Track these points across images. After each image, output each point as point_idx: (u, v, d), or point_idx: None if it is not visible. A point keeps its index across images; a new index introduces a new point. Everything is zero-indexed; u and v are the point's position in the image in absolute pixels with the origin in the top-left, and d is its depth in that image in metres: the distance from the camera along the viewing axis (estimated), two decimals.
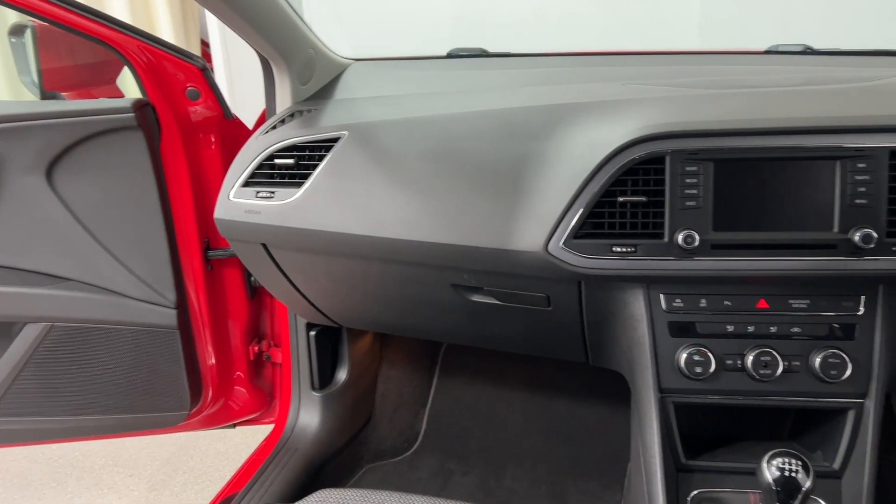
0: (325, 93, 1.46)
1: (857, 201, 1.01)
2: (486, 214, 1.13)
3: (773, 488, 0.89)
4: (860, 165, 1.01)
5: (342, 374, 1.83)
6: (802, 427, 1.21)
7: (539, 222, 1.09)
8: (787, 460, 0.89)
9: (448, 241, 1.15)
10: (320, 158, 1.25)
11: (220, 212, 1.31)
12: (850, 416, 1.08)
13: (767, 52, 1.49)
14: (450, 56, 1.62)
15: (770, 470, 0.90)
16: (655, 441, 1.12)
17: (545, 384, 1.96)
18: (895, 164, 1.01)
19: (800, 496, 0.89)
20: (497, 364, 2.01)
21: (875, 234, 1.00)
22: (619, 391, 1.32)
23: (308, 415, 1.77)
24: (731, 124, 1.04)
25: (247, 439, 2.49)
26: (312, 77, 1.44)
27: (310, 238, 1.24)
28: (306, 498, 1.08)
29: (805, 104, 1.08)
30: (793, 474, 0.88)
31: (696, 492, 1.11)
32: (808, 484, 0.89)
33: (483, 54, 1.62)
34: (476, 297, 1.28)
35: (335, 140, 1.26)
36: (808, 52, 1.47)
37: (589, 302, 1.18)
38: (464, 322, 1.39)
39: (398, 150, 1.22)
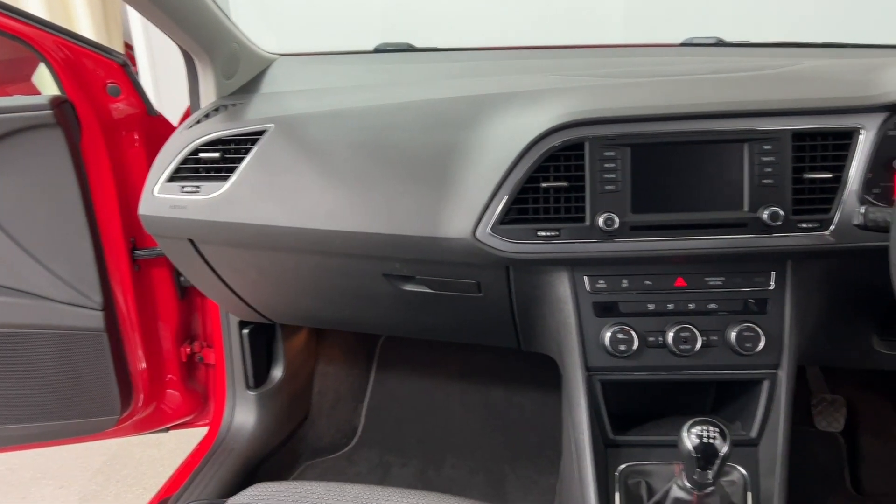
0: (250, 87, 1.45)
1: (765, 181, 1.07)
2: (414, 203, 1.15)
3: (693, 455, 0.93)
4: (766, 147, 1.06)
5: (277, 372, 1.81)
6: (723, 400, 1.27)
7: (467, 209, 1.12)
8: (704, 428, 0.94)
9: (378, 230, 1.16)
10: (246, 151, 1.24)
11: (145, 208, 1.29)
12: (765, 386, 1.14)
13: (682, 45, 1.55)
14: (377, 51, 1.63)
15: (689, 438, 0.94)
16: (584, 419, 1.15)
17: (481, 373, 1.99)
18: (798, 145, 1.07)
19: (717, 461, 0.93)
20: (434, 356, 2.03)
21: (782, 212, 1.06)
22: (552, 377, 1.36)
23: (243, 414, 1.75)
24: (646, 111, 1.08)
25: (181, 444, 2.44)
26: (237, 72, 1.43)
27: (238, 231, 1.24)
28: (242, 492, 1.07)
29: (714, 91, 1.13)
30: (710, 441, 0.93)
31: (623, 465, 1.15)
32: (724, 449, 0.93)
33: (410, 49, 1.64)
34: (409, 287, 1.29)
35: (261, 133, 1.25)
36: (721, 44, 1.54)
37: (517, 286, 1.21)
38: (397, 312, 1.40)
39: (325, 142, 1.22)
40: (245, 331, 1.69)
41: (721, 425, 0.94)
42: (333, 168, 1.20)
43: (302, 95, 1.36)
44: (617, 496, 1.12)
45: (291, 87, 1.43)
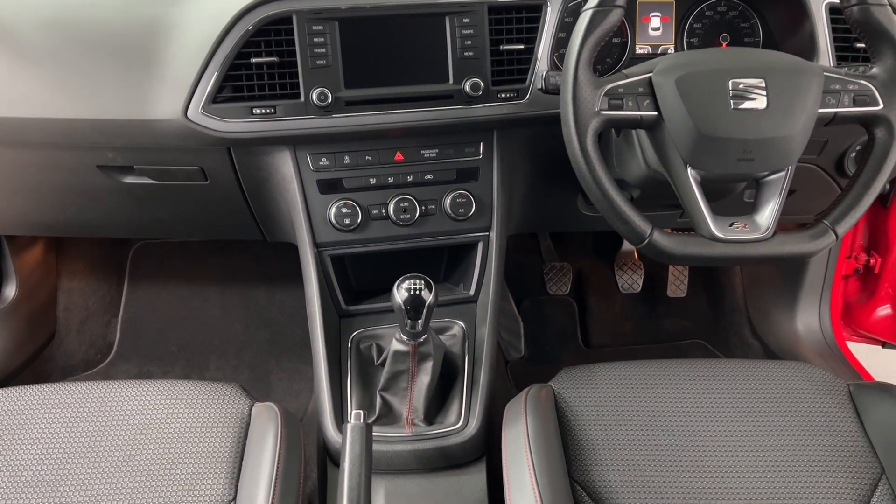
0: None
1: (466, 54, 1.14)
2: (117, 84, 1.08)
3: (403, 308, 1.01)
4: (465, 21, 1.13)
5: (10, 290, 1.67)
6: (453, 267, 1.37)
7: (175, 88, 1.07)
8: (412, 282, 1.01)
9: (78, 115, 1.09)
10: None
11: None
12: (479, 248, 1.25)
13: None
14: None
15: (399, 293, 1.01)
16: (314, 292, 1.20)
17: (241, 275, 1.97)
18: (494, 18, 1.14)
19: (424, 310, 1.02)
20: (190, 261, 1.97)
21: (482, 84, 1.14)
22: None
23: None
24: None
25: None
26: None
27: None
28: None
29: None
30: (417, 292, 1.01)
31: (356, 332, 1.22)
32: (430, 299, 1.01)
33: None
34: (130, 179, 1.23)
35: None
36: None
37: (243, 170, 1.20)
38: (125, 209, 1.34)
39: (10, 21, 1.10)
40: None
41: (427, 278, 1.02)
42: (24, 49, 1.09)
43: None
44: (349, 359, 1.19)
45: None
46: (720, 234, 0.94)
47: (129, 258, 1.96)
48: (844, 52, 1.20)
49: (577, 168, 0.96)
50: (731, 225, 0.96)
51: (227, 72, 1.07)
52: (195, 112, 1.08)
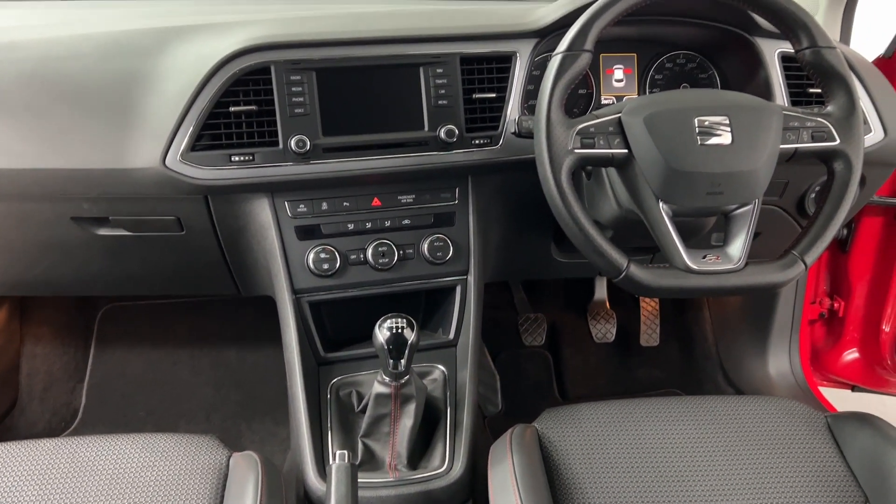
0: None
1: (440, 102, 1.17)
2: (94, 134, 1.09)
3: (385, 347, 1.01)
4: (438, 70, 1.17)
5: None
6: (431, 312, 1.37)
7: (154, 137, 1.08)
8: (394, 321, 1.01)
9: (55, 165, 1.09)
10: None
11: None
12: (458, 291, 1.26)
13: None
14: None
15: (381, 332, 1.01)
16: (293, 339, 1.18)
17: (212, 337, 1.94)
18: (466, 69, 1.18)
19: (407, 349, 1.01)
20: (160, 324, 1.94)
21: (457, 131, 1.17)
22: None
23: None
24: (324, 36, 1.14)
25: None
26: None
27: None
28: None
29: (389, 21, 1.21)
30: (400, 331, 1.01)
31: (335, 380, 1.20)
32: (412, 338, 1.01)
33: None
34: (104, 231, 1.22)
35: None
36: None
37: (220, 218, 1.20)
38: (97, 264, 1.32)
39: None
40: None
41: (408, 317, 1.02)
42: (1, 101, 1.10)
43: None
44: (329, 407, 1.17)
45: None
46: (694, 266, 0.96)
47: (96, 321, 1.92)
48: (798, 98, 1.26)
49: (553, 204, 0.98)
50: (705, 257, 0.98)
51: (206, 120, 1.09)
52: (173, 160, 1.08)
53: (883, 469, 0.99)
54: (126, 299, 1.93)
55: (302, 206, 1.19)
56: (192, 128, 1.08)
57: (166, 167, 1.08)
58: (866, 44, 1.51)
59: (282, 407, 1.87)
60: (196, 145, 1.09)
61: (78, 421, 1.83)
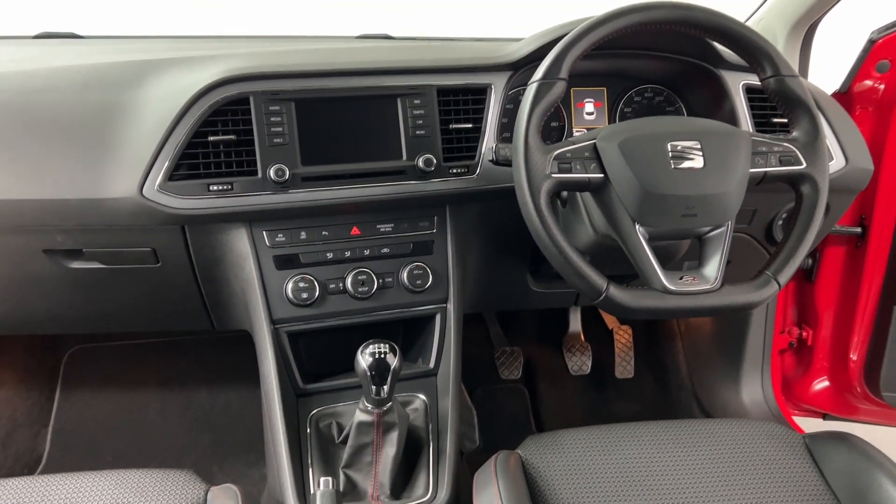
0: None
1: (418, 132, 1.19)
2: (71, 164, 1.08)
3: (368, 373, 1.00)
4: (416, 101, 1.19)
5: None
6: (409, 343, 1.36)
7: (131, 167, 1.08)
8: (377, 346, 1.01)
9: (28, 196, 1.08)
10: None
11: None
12: (438, 319, 1.26)
13: (358, 38, 1.67)
14: (38, 37, 1.51)
15: (364, 357, 1.00)
16: (272, 370, 1.17)
17: (183, 377, 1.90)
18: (443, 100, 1.21)
19: (389, 375, 1.00)
20: (129, 365, 1.89)
21: (434, 160, 1.18)
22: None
23: None
24: (302, 67, 1.15)
25: None
26: None
27: None
28: None
29: (368, 54, 1.24)
30: (382, 356, 1.00)
31: (315, 411, 1.19)
32: (395, 363, 1.01)
33: (73, 35, 1.54)
34: (77, 264, 1.20)
35: None
36: (388, 37, 1.68)
37: (196, 249, 1.19)
38: (68, 299, 1.29)
39: None
40: None
41: (391, 343, 1.02)
42: None
43: None
44: (309, 439, 1.15)
45: None
46: (672, 287, 0.98)
47: (62, 364, 1.87)
48: (762, 128, 1.31)
49: (532, 228, 1.00)
50: (681, 278, 1.00)
51: (185, 150, 1.08)
52: (151, 190, 1.08)
53: (861, 486, 1.00)
54: (95, 339, 1.89)
55: (280, 235, 1.18)
56: (170, 157, 1.08)
57: (143, 197, 1.07)
58: (824, 78, 1.57)
59: (254, 448, 1.83)
60: (174, 174, 1.09)
61: (42, 466, 1.76)
